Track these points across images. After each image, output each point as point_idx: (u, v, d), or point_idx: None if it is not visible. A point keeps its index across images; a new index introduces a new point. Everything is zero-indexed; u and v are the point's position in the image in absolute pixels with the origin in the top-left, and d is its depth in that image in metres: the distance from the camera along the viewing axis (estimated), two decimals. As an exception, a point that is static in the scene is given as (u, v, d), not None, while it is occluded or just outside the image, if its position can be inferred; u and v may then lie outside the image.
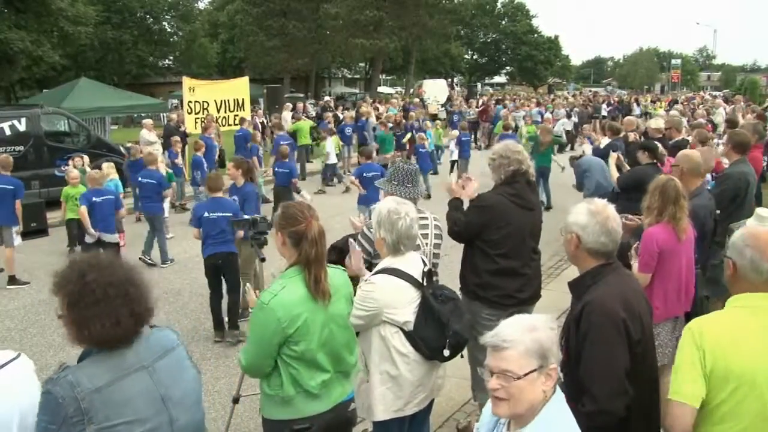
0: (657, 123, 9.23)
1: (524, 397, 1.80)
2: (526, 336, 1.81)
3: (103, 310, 1.86)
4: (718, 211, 5.05)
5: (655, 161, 6.44)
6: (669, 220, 3.89)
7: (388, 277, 2.99)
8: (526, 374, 1.78)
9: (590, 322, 2.42)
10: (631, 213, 4.18)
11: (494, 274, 3.98)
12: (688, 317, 4.11)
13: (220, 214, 6.34)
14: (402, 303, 2.98)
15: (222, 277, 6.48)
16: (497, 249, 3.96)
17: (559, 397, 1.89)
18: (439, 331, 2.97)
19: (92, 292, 1.87)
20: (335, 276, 2.84)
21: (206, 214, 6.36)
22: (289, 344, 2.63)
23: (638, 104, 30.94)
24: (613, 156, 7.16)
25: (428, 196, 12.22)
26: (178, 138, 13.66)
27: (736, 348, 2.16)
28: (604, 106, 29.23)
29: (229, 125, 16.36)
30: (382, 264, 3.08)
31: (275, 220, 2.81)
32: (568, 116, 23.85)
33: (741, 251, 2.30)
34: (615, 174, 6.91)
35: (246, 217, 5.18)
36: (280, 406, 2.71)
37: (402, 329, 2.98)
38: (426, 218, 3.77)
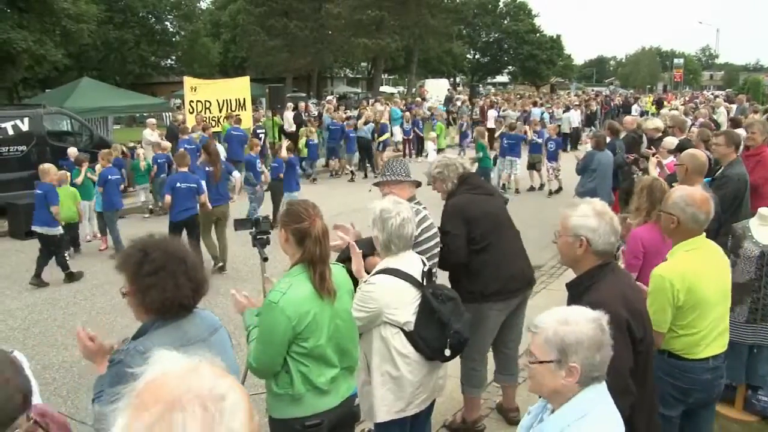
0: (654, 123, 9.22)
1: (542, 382, 1.93)
2: (553, 327, 1.90)
3: (164, 278, 2.07)
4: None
5: None
6: (657, 221, 3.90)
7: (388, 278, 2.98)
8: (542, 362, 1.90)
9: None
10: None
11: (487, 266, 4.01)
12: None
13: (187, 185, 8.11)
14: (402, 303, 2.98)
15: (186, 234, 7.98)
16: (483, 242, 4.00)
17: (594, 393, 1.91)
18: (439, 331, 2.97)
19: (152, 262, 2.09)
20: (337, 273, 2.87)
21: (178, 185, 8.09)
22: (299, 341, 2.64)
23: (639, 103, 30.84)
24: (653, 161, 7.13)
25: None
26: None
27: (698, 282, 2.94)
28: (635, 107, 29.09)
29: (230, 125, 16.40)
30: (382, 264, 3.08)
31: (279, 216, 2.82)
32: (567, 110, 23.81)
33: (683, 209, 3.03)
34: (655, 174, 6.85)
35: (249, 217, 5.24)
36: (291, 404, 2.73)
37: (402, 330, 2.98)
38: (425, 210, 3.82)
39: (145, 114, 20.52)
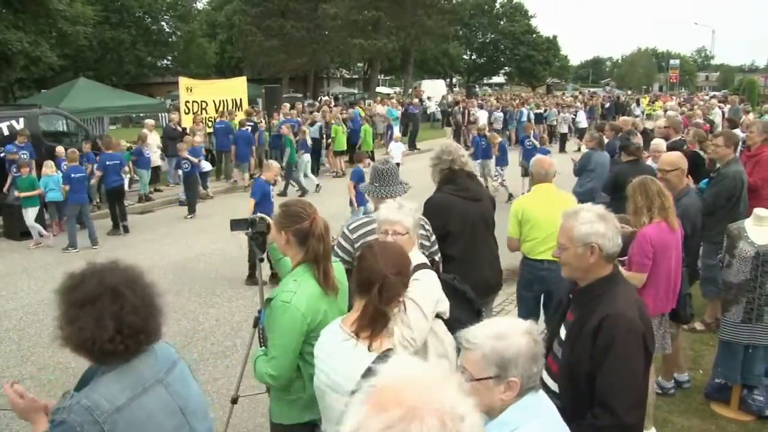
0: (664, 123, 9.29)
1: (478, 398, 1.80)
2: (489, 343, 1.80)
3: (87, 313, 1.78)
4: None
5: (634, 158, 6.61)
6: (659, 213, 3.95)
7: (424, 271, 2.88)
8: (480, 379, 1.79)
9: (615, 335, 2.35)
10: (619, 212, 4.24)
11: (457, 268, 3.95)
12: (673, 314, 4.15)
13: (113, 162, 10.95)
14: (441, 293, 2.90)
15: (116, 200, 10.91)
16: (455, 244, 4.00)
17: (528, 404, 1.83)
18: (469, 309, 2.97)
19: (82, 291, 1.82)
20: (337, 269, 2.84)
21: (108, 163, 10.93)
22: (312, 340, 2.59)
23: (638, 104, 30.95)
24: None
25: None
26: (197, 138, 13.81)
27: (531, 208, 4.72)
28: (637, 107, 29.24)
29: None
30: None
31: (275, 219, 2.78)
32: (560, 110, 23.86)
33: (534, 168, 4.98)
34: None
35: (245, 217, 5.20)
36: (303, 409, 2.70)
37: (442, 318, 2.87)
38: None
39: (141, 114, 20.42)
